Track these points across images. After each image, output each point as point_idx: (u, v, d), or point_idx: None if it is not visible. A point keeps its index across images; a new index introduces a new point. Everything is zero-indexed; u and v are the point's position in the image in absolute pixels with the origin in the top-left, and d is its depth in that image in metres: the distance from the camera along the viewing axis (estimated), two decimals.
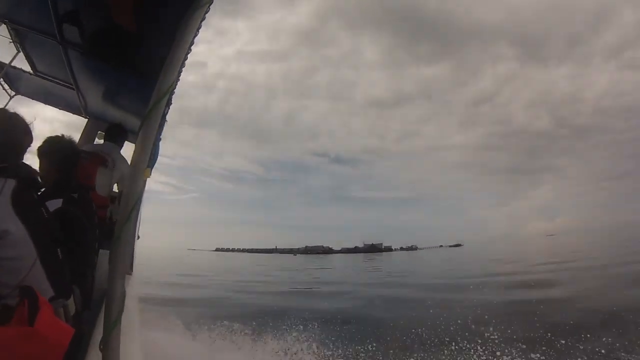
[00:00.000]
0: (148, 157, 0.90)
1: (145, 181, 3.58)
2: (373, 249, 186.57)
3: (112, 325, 0.79)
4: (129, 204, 0.85)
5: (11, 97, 4.29)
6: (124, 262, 0.82)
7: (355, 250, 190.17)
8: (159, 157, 3.54)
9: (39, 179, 1.77)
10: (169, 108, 3.11)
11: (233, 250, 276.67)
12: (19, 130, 1.72)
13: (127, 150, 3.92)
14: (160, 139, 3.35)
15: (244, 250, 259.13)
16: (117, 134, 3.90)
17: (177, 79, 2.49)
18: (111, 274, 0.80)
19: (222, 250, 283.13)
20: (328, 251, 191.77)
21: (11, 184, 1.48)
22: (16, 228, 1.43)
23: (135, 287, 2.34)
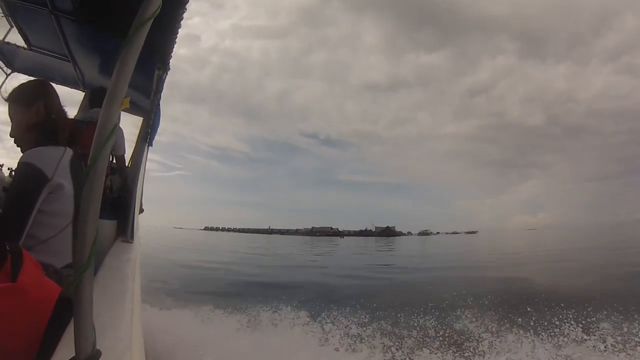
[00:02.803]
0: (126, 86, 0.78)
1: (146, 152, 3.51)
2: (388, 232, 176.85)
3: (83, 269, 0.67)
4: (102, 137, 0.72)
5: (8, 75, 4.20)
6: (96, 202, 0.69)
7: (366, 233, 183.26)
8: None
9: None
10: (166, 74, 2.99)
11: (223, 229, 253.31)
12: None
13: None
14: (159, 108, 3.25)
15: (235, 230, 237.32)
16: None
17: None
18: (83, 214, 0.68)
19: (212, 229, 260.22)
20: (337, 233, 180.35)
21: (70, 152, 1.73)
22: (69, 187, 1.62)
23: (134, 255, 2.28)
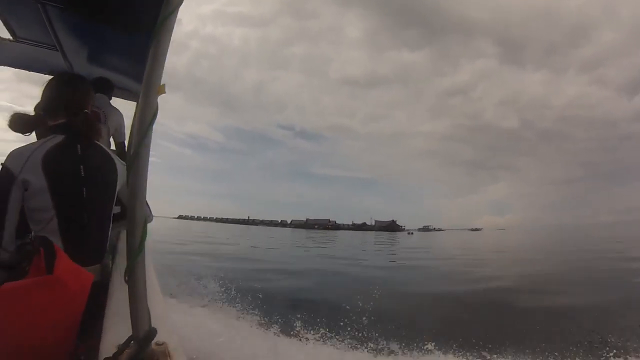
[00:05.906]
0: (161, 74, 0.81)
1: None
2: (392, 227, 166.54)
3: (137, 253, 0.70)
4: (143, 125, 0.75)
5: None
6: (143, 183, 0.72)
7: (365, 227, 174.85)
8: None
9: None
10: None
11: (198, 218, 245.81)
12: (70, 88, 1.88)
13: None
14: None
15: (212, 220, 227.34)
16: (105, 87, 3.79)
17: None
18: (131, 196, 0.71)
19: (186, 218, 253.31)
20: (336, 226, 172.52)
21: (58, 139, 1.66)
22: (37, 180, 1.55)
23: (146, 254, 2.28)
